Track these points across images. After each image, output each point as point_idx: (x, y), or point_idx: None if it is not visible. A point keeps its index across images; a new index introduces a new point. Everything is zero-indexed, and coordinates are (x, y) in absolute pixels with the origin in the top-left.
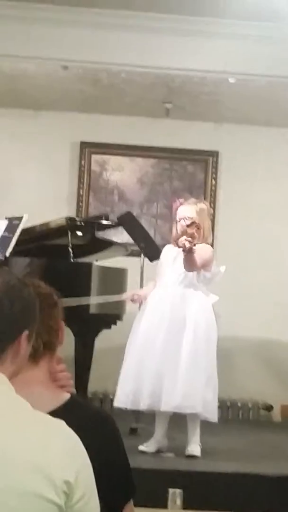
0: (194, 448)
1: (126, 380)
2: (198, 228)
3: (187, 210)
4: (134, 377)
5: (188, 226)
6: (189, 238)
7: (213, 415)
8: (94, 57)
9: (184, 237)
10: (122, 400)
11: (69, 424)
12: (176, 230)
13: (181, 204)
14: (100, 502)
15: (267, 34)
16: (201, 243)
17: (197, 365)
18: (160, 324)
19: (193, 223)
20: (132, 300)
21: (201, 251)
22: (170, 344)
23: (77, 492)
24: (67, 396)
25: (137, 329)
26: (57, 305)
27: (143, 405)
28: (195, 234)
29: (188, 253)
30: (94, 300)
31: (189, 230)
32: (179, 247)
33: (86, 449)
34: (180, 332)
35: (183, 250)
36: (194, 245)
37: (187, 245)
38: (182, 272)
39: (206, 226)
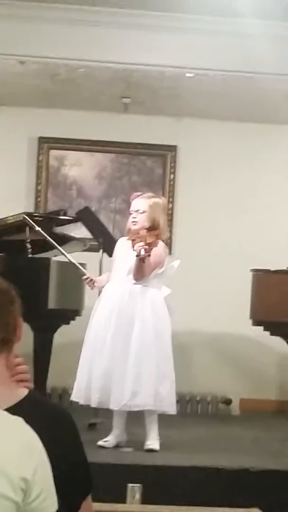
0: (153, 442)
1: (81, 376)
2: (151, 229)
3: (140, 204)
4: (86, 373)
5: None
6: (146, 246)
7: (171, 408)
8: (51, 52)
9: (142, 243)
10: (76, 395)
11: (27, 420)
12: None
13: (135, 197)
14: (58, 499)
15: (224, 29)
16: (156, 236)
17: (147, 361)
18: (109, 321)
19: (146, 231)
20: (86, 283)
21: (153, 254)
22: (118, 341)
23: (34, 489)
24: (24, 392)
25: (91, 324)
26: (15, 302)
27: (93, 403)
28: (152, 244)
29: (141, 261)
30: (61, 250)
31: (141, 233)
32: (134, 250)
33: (44, 445)
34: (129, 328)
35: (137, 256)
36: (149, 255)
37: (142, 253)
38: (132, 267)
39: (161, 221)
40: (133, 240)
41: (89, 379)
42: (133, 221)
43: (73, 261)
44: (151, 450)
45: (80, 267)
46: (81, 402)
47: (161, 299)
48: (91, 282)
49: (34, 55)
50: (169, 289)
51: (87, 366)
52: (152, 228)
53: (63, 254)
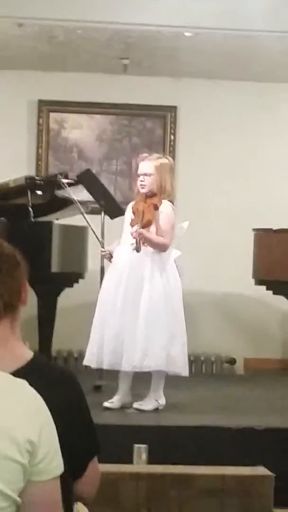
0: (144, 403)
1: (92, 340)
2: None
3: (146, 167)
4: (98, 336)
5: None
6: (141, 231)
7: (182, 369)
8: (49, 14)
9: (136, 227)
10: (88, 358)
11: (32, 383)
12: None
13: (142, 159)
14: (64, 460)
15: None
16: (163, 198)
17: (156, 322)
18: (119, 284)
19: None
20: (104, 256)
21: (163, 218)
22: (128, 303)
23: (40, 451)
24: (29, 356)
25: (102, 288)
26: (20, 266)
27: (105, 365)
28: (149, 223)
29: (136, 251)
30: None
31: (140, 208)
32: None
33: (49, 407)
34: (138, 291)
35: (132, 244)
36: (144, 244)
37: (136, 245)
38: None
39: (168, 181)
40: (133, 213)
41: (100, 342)
42: (141, 185)
43: (95, 233)
44: (136, 410)
45: (100, 238)
46: (93, 365)
47: (170, 261)
48: (109, 257)
49: (32, 18)
50: (178, 251)
51: (98, 329)
52: (159, 190)
53: (87, 222)
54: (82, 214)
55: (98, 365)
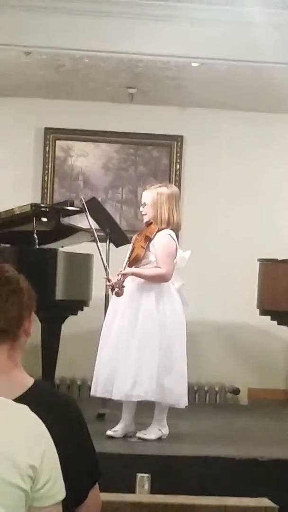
0: (147, 432)
1: (95, 368)
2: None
3: (145, 196)
4: (96, 365)
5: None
6: (123, 279)
7: (176, 401)
8: (56, 43)
9: (120, 270)
10: (92, 388)
11: (33, 410)
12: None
13: (145, 190)
14: (65, 486)
15: (229, 18)
16: (161, 228)
17: (148, 353)
18: (116, 314)
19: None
20: (107, 285)
21: (158, 248)
22: (123, 333)
23: (42, 477)
24: (30, 382)
25: (106, 316)
26: (19, 293)
27: (98, 393)
28: (137, 273)
29: (116, 295)
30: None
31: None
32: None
33: (50, 433)
34: (133, 321)
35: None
36: (117, 293)
37: (116, 289)
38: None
39: (165, 210)
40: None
41: (97, 370)
42: (142, 215)
43: (105, 263)
44: (140, 439)
45: (107, 268)
46: (91, 393)
47: (170, 291)
48: (113, 289)
49: (40, 46)
50: (182, 281)
51: (97, 359)
52: (156, 219)
53: (98, 250)
54: (96, 242)
55: (93, 393)
